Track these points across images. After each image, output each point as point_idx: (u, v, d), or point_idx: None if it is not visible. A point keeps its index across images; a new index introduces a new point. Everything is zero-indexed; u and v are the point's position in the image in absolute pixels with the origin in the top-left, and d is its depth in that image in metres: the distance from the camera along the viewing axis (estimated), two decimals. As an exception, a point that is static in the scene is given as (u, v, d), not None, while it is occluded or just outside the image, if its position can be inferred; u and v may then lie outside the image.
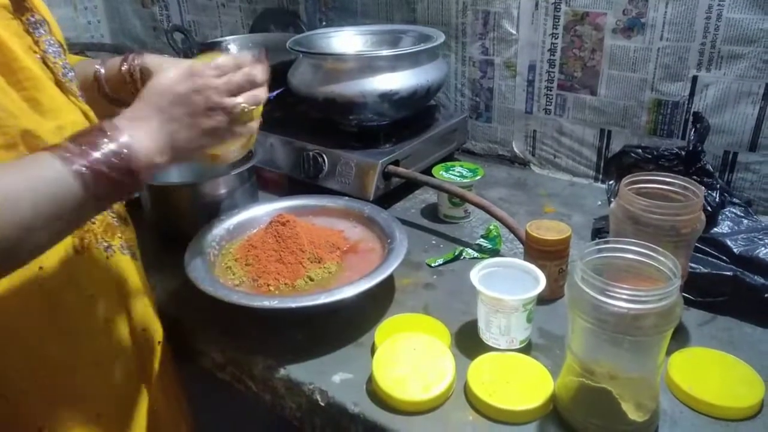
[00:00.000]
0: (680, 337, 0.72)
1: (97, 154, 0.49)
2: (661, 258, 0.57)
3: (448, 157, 1.19)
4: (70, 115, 0.59)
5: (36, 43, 0.57)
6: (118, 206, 0.68)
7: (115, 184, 0.51)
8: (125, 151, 0.51)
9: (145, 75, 0.74)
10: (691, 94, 1.01)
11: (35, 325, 0.56)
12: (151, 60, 0.74)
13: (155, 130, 0.56)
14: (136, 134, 0.54)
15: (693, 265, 0.75)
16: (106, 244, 0.64)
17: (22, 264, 0.48)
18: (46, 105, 0.55)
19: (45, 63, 0.58)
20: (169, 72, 0.60)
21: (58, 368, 0.58)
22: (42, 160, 0.47)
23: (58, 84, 0.59)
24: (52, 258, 0.56)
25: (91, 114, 0.63)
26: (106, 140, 0.51)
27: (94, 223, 0.62)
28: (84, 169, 0.48)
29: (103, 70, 0.73)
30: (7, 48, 0.52)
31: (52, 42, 0.59)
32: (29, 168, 0.47)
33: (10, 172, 0.45)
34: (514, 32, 1.16)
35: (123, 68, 0.73)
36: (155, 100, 0.58)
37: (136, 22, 1.91)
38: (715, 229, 0.80)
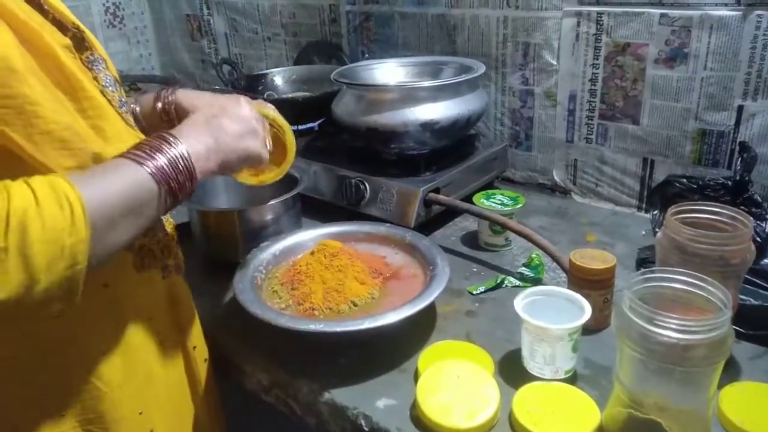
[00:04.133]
0: (731, 371, 0.70)
1: (163, 158, 0.56)
2: (711, 288, 0.56)
3: (488, 185, 1.20)
4: (129, 141, 0.62)
5: (95, 78, 0.61)
6: (170, 228, 0.72)
7: (179, 184, 0.57)
8: (185, 154, 0.58)
9: (180, 112, 0.78)
10: (737, 123, 1.00)
11: (98, 340, 0.59)
12: (183, 97, 0.78)
13: (203, 132, 0.64)
14: (190, 141, 0.61)
15: (743, 297, 0.74)
16: (162, 264, 0.67)
17: (109, 257, 0.53)
18: (109, 132, 0.58)
19: (104, 96, 0.62)
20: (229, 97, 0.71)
21: (117, 385, 0.61)
22: (121, 164, 0.54)
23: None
24: (115, 276, 0.59)
25: None
26: (168, 146, 0.58)
27: (152, 244, 0.65)
28: (155, 170, 0.55)
29: (138, 108, 0.78)
30: (75, 79, 0.55)
31: (108, 77, 0.64)
32: (113, 172, 0.53)
33: (100, 176, 0.52)
34: (554, 63, 1.18)
35: (158, 106, 0.77)
36: (206, 111, 0.68)
37: (186, 55, 2.00)
38: (766, 260, 0.79)
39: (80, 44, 0.61)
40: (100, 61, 0.63)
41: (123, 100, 0.66)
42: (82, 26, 0.62)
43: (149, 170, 0.54)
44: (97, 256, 0.49)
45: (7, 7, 0.51)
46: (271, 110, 0.79)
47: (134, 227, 0.54)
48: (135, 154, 0.55)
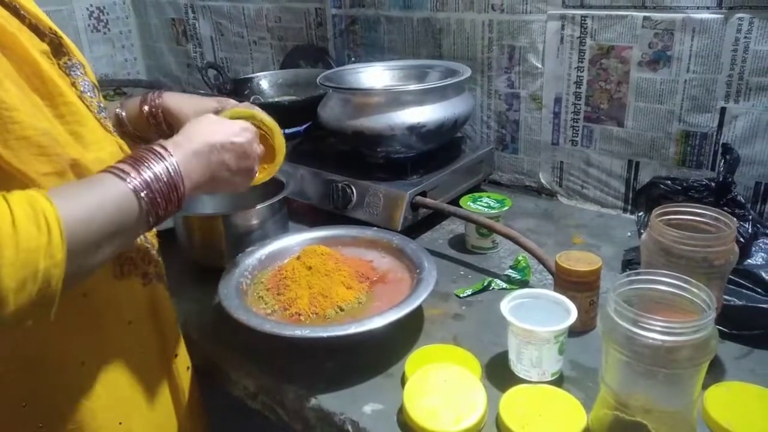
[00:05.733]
0: (716, 371, 0.71)
1: (151, 174, 0.55)
2: (695, 290, 0.57)
3: (475, 188, 1.20)
4: (108, 147, 0.62)
5: (73, 84, 0.61)
6: (152, 236, 0.71)
7: (165, 202, 0.56)
8: (175, 173, 0.57)
9: (167, 115, 0.78)
10: (720, 125, 1.01)
11: (77, 351, 0.58)
12: (171, 100, 0.79)
13: (203, 165, 0.62)
14: (185, 162, 0.59)
15: (727, 297, 0.74)
16: (142, 271, 0.66)
17: (85, 277, 0.52)
18: (87, 138, 0.57)
19: (82, 101, 0.61)
20: (222, 119, 0.69)
21: (96, 394, 0.60)
22: (105, 180, 0.53)
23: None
24: (94, 285, 0.58)
25: (125, 147, 0.65)
26: (159, 162, 0.56)
27: (131, 252, 0.64)
28: (141, 186, 0.53)
29: (124, 113, 0.78)
30: (53, 84, 0.55)
31: (87, 83, 0.63)
32: (95, 187, 0.52)
33: (81, 193, 0.50)
34: (539, 66, 1.18)
35: (144, 109, 0.77)
36: (208, 137, 0.64)
37: (171, 59, 1.99)
38: (749, 260, 0.79)
39: (58, 50, 0.60)
40: (78, 67, 0.63)
41: (102, 105, 0.65)
42: (59, 32, 0.62)
43: (132, 186, 0.53)
44: (73, 276, 0.48)
45: None
46: (258, 112, 0.79)
47: (114, 246, 0.53)
48: (120, 168, 0.54)
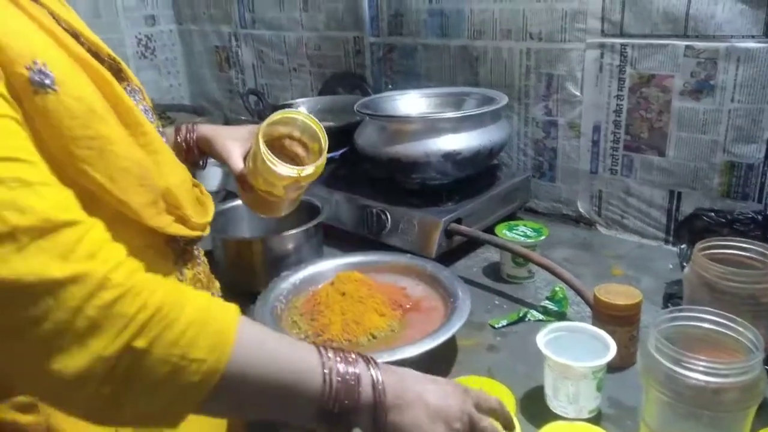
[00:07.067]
0: (764, 415, 0.67)
1: (350, 364, 0.50)
2: (741, 329, 0.55)
3: (511, 216, 1.19)
4: (180, 174, 0.63)
5: None
6: (203, 254, 0.72)
7: (342, 409, 0.49)
8: (375, 380, 0.51)
9: (202, 144, 0.81)
10: (767, 156, 0.98)
11: None
12: (206, 130, 0.81)
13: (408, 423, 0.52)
14: (388, 381, 0.52)
15: (776, 336, 0.71)
16: (210, 293, 0.67)
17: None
18: (162, 164, 0.58)
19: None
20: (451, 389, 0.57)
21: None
22: (305, 349, 0.51)
23: None
24: None
25: (189, 174, 0.67)
26: (366, 363, 0.51)
27: (200, 274, 0.66)
28: (330, 361, 0.50)
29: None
30: (134, 114, 0.56)
31: (147, 108, 0.65)
32: (293, 347, 0.51)
33: (269, 336, 0.51)
34: (578, 94, 1.17)
35: (178, 139, 0.81)
36: (427, 395, 0.54)
37: (214, 85, 2.05)
38: (800, 298, 0.76)
39: (117, 75, 0.61)
40: (137, 92, 0.64)
41: (161, 129, 0.67)
42: (116, 57, 0.63)
43: (323, 359, 0.50)
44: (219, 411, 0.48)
45: (80, 55, 0.52)
46: (293, 114, 0.79)
47: (272, 408, 0.50)
48: (330, 349, 0.51)
